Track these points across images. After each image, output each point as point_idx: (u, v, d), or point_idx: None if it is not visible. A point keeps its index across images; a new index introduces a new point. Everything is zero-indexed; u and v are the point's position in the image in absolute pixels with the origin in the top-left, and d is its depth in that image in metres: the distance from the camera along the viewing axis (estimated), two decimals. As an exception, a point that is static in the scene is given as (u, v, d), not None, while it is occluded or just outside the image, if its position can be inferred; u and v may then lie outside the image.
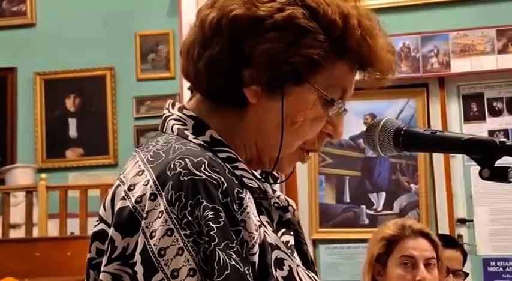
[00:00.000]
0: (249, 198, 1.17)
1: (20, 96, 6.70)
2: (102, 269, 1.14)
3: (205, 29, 1.23)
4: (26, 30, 6.72)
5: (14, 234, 5.95)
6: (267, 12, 1.20)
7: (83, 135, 6.60)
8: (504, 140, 1.20)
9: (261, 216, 1.21)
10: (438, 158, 5.19)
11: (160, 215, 1.09)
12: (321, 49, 1.20)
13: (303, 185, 5.38)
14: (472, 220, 5.18)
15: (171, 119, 1.27)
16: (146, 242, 1.09)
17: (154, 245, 1.08)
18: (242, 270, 1.08)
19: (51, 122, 6.62)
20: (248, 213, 1.14)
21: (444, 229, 5.06)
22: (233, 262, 1.07)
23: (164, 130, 1.27)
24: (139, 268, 1.09)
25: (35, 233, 5.79)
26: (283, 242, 1.23)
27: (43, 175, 5.88)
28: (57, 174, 6.38)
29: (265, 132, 1.24)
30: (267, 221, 1.23)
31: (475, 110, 5.27)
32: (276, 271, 1.18)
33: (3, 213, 5.84)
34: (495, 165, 1.21)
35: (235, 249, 1.09)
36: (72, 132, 6.62)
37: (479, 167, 1.25)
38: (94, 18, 6.52)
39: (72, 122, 6.62)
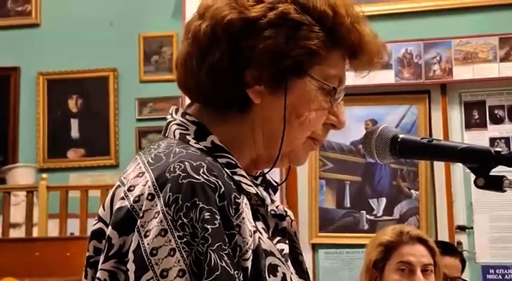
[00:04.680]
0: (245, 204, 1.18)
1: (22, 96, 6.69)
2: (99, 267, 1.16)
3: (201, 39, 1.25)
4: (30, 30, 6.72)
5: (14, 234, 5.94)
6: (259, 13, 1.23)
7: (85, 136, 6.59)
8: (499, 149, 1.21)
9: (256, 222, 1.22)
10: (439, 165, 5.18)
11: (156, 215, 1.10)
12: (318, 39, 1.23)
13: (303, 189, 5.36)
14: (471, 227, 5.17)
15: (173, 124, 1.29)
16: (140, 241, 1.10)
17: (148, 244, 1.09)
18: (232, 273, 1.09)
19: (53, 122, 6.62)
20: (243, 218, 1.15)
21: (444, 235, 5.04)
22: (224, 264, 1.08)
23: (166, 135, 1.29)
24: (131, 266, 1.10)
25: (35, 233, 5.80)
26: (278, 249, 1.24)
27: (44, 175, 5.87)
28: (58, 174, 6.38)
29: (273, 128, 1.27)
30: (262, 228, 1.24)
31: (476, 117, 5.26)
32: (269, 277, 1.19)
33: (4, 212, 5.83)
34: (490, 174, 1.22)
35: (227, 251, 1.10)
36: (74, 132, 6.62)
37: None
38: (98, 19, 6.52)
39: (74, 123, 6.62)
